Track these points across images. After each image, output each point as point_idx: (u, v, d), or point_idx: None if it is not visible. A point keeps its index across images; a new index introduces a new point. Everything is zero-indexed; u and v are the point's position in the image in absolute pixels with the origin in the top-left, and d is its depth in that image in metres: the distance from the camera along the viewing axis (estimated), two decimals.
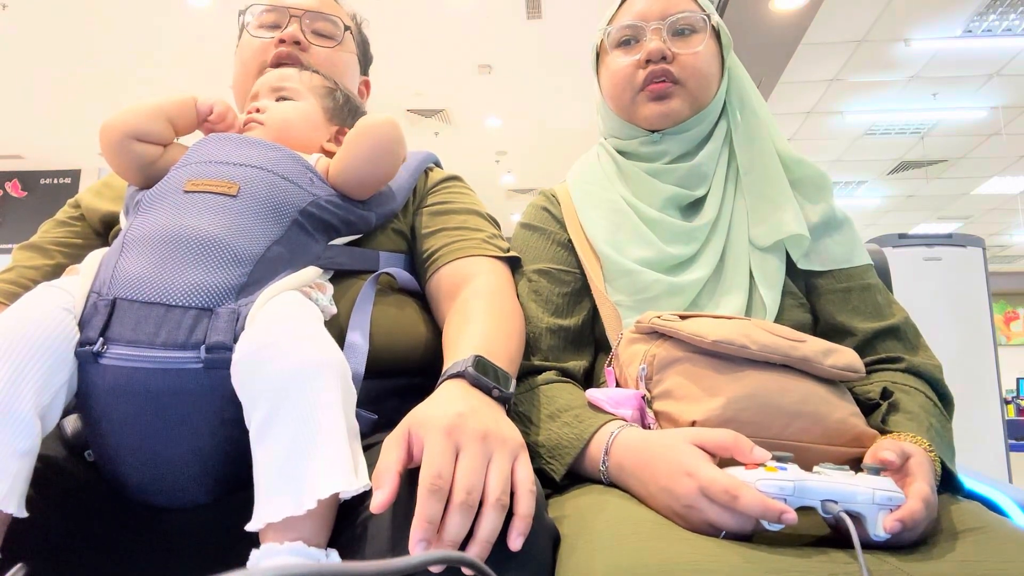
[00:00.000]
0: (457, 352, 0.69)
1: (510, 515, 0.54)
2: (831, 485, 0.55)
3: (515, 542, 0.53)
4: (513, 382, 0.67)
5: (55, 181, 6.85)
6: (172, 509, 0.67)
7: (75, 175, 6.86)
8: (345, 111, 0.93)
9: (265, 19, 1.02)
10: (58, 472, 0.66)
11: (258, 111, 0.87)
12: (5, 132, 6.10)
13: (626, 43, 0.92)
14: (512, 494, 0.55)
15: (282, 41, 0.98)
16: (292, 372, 0.57)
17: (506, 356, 0.72)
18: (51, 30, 4.52)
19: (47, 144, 6.35)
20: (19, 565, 0.50)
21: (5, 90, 5.34)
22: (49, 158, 6.65)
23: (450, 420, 0.56)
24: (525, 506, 0.54)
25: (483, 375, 0.64)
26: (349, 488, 0.54)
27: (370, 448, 0.64)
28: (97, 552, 0.66)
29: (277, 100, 0.89)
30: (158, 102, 0.81)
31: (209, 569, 0.40)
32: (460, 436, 0.55)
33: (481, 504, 0.53)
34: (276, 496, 0.54)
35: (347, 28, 1.05)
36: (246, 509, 0.55)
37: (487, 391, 0.63)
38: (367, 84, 1.15)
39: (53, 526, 0.64)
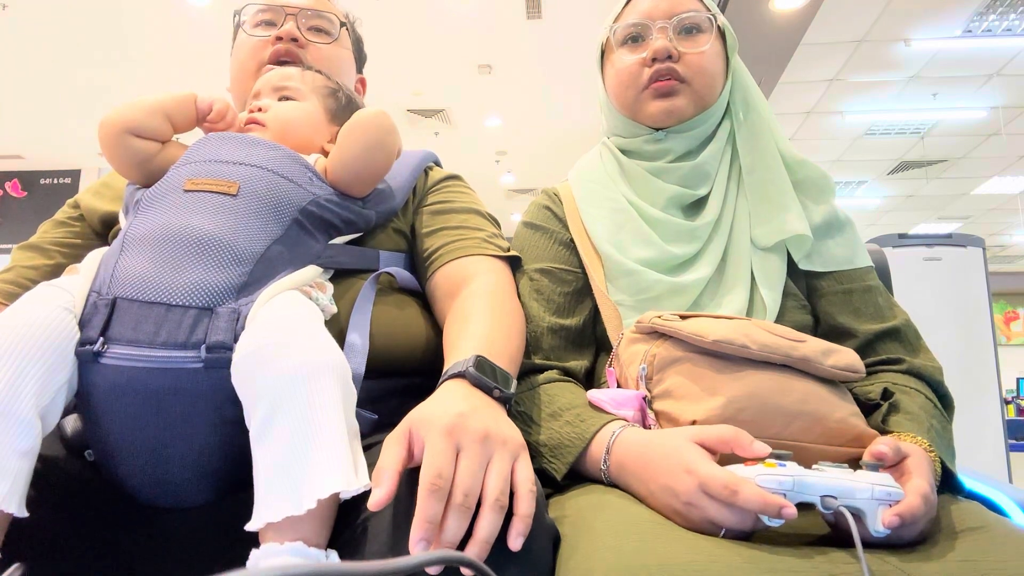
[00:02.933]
0: (458, 352, 0.69)
1: (511, 515, 0.54)
2: (830, 480, 0.55)
3: (515, 542, 0.53)
4: (514, 382, 0.67)
5: (55, 181, 6.85)
6: (172, 509, 0.67)
7: (75, 175, 6.85)
8: (347, 112, 0.93)
9: (260, 18, 1.02)
10: (58, 472, 0.66)
11: (260, 110, 0.86)
12: (5, 132, 6.10)
13: (632, 41, 0.92)
14: (512, 494, 0.55)
15: (279, 39, 0.98)
16: (292, 372, 0.57)
17: (507, 356, 0.72)
18: (51, 30, 4.52)
19: (47, 144, 6.35)
20: (16, 565, 0.50)
21: (5, 90, 5.34)
22: (49, 158, 6.65)
23: (451, 420, 0.56)
24: (525, 506, 0.54)
25: (484, 375, 0.64)
26: (349, 488, 0.54)
27: (370, 448, 0.64)
28: (97, 552, 0.66)
29: (279, 99, 0.89)
30: (157, 99, 0.81)
31: (209, 570, 0.39)
32: (461, 436, 0.55)
33: (480, 504, 0.53)
34: (276, 496, 0.54)
35: (343, 24, 1.05)
36: (246, 509, 0.55)
37: (488, 391, 0.63)
38: (363, 82, 1.15)
39: (53, 526, 0.64)
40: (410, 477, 0.55)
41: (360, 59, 1.13)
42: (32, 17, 4.37)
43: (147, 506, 0.66)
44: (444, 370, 0.67)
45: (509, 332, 0.77)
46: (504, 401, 0.64)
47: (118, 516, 0.67)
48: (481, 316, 0.77)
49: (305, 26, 1.01)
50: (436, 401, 0.60)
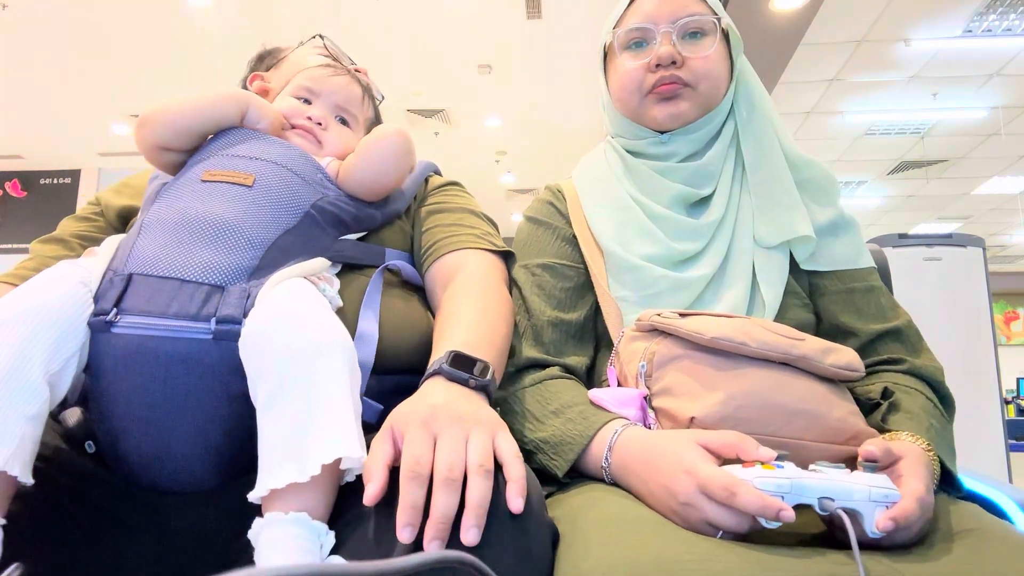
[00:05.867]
0: (439, 349, 0.71)
1: (504, 512, 0.54)
2: (828, 482, 0.55)
3: (515, 503, 0.54)
4: (492, 370, 0.68)
5: (55, 181, 6.85)
6: (175, 504, 0.67)
7: (75, 175, 6.85)
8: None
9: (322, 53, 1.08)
10: (59, 467, 0.66)
11: (320, 125, 0.88)
12: (5, 132, 6.10)
13: (635, 45, 0.92)
14: (500, 467, 0.56)
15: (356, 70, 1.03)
16: (301, 346, 0.59)
17: (490, 345, 0.73)
18: (51, 30, 4.52)
19: (47, 144, 6.35)
20: (15, 565, 0.50)
21: (5, 90, 5.34)
22: (49, 158, 6.65)
23: (426, 411, 0.58)
24: (515, 470, 0.56)
25: (459, 369, 0.65)
26: (352, 455, 0.55)
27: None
28: (98, 548, 0.66)
29: (336, 117, 0.91)
30: (205, 111, 0.82)
31: (211, 565, 0.40)
32: (435, 424, 0.57)
33: (467, 477, 0.54)
34: (280, 463, 0.55)
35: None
36: (248, 502, 0.56)
37: (463, 383, 0.65)
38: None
39: (53, 521, 0.64)
40: (392, 479, 0.56)
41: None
42: (32, 17, 4.37)
43: (149, 500, 0.66)
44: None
45: (493, 322, 0.78)
46: (481, 389, 0.65)
47: (120, 510, 0.67)
48: (465, 309, 0.78)
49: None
50: (414, 398, 0.62)
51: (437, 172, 1.09)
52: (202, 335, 0.63)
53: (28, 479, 0.55)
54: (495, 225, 1.00)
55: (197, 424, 0.64)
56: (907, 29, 4.40)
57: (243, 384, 0.62)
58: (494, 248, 0.91)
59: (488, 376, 0.66)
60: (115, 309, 0.63)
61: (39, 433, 0.57)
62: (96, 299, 0.64)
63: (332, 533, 0.56)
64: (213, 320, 0.63)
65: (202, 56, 4.67)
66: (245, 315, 0.64)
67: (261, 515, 0.55)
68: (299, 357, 0.58)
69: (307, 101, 0.91)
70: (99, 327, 0.62)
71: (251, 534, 0.54)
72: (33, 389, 0.57)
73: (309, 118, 0.88)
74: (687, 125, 0.91)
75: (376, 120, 0.99)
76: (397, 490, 0.54)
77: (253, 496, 0.55)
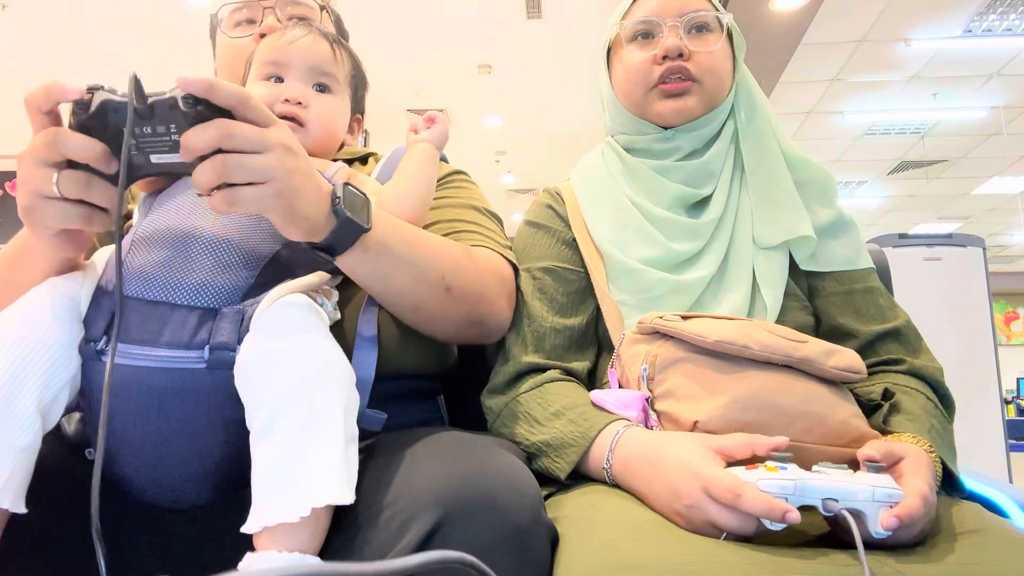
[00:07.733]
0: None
1: (503, 516, 0.54)
2: (832, 483, 0.55)
3: None
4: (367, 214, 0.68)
5: None
6: (175, 516, 0.66)
7: None
8: (360, 95, 0.92)
9: (237, 17, 0.98)
10: (58, 471, 0.66)
11: (300, 104, 0.80)
12: (5, 132, 6.10)
13: (642, 38, 0.92)
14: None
15: (263, 36, 0.92)
16: (296, 376, 0.57)
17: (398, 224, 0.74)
18: (51, 30, 4.52)
19: None
20: None
21: (5, 90, 5.34)
22: None
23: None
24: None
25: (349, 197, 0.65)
26: (342, 501, 0.54)
27: (367, 449, 0.64)
28: (95, 553, 0.66)
29: (315, 86, 0.82)
30: None
31: (209, 570, 0.40)
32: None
33: None
34: (272, 501, 0.54)
35: (323, 8, 1.01)
36: (246, 511, 0.55)
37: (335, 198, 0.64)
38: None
39: (51, 526, 0.64)
40: (386, 482, 0.57)
41: (343, 37, 1.08)
42: (32, 17, 4.37)
43: (147, 506, 0.66)
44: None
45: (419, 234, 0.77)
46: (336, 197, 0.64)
47: (118, 516, 0.67)
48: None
49: (285, 16, 0.96)
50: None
51: (443, 159, 1.03)
52: (195, 364, 0.61)
53: (20, 509, 0.54)
54: (499, 219, 0.97)
55: (194, 450, 0.63)
56: (907, 29, 4.40)
57: (239, 410, 0.59)
58: (492, 246, 0.89)
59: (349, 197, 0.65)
60: (105, 336, 0.61)
61: (32, 462, 0.56)
62: (87, 322, 0.61)
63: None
64: (207, 349, 0.61)
65: (202, 56, 4.66)
66: (240, 340, 0.61)
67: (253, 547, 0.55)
68: (294, 387, 0.57)
69: (279, 79, 0.82)
70: (90, 355, 0.60)
71: (241, 566, 0.54)
72: (25, 420, 0.55)
73: (287, 101, 0.79)
74: (691, 121, 0.92)
75: (357, 71, 0.90)
76: (386, 504, 0.55)
77: (245, 529, 0.54)
